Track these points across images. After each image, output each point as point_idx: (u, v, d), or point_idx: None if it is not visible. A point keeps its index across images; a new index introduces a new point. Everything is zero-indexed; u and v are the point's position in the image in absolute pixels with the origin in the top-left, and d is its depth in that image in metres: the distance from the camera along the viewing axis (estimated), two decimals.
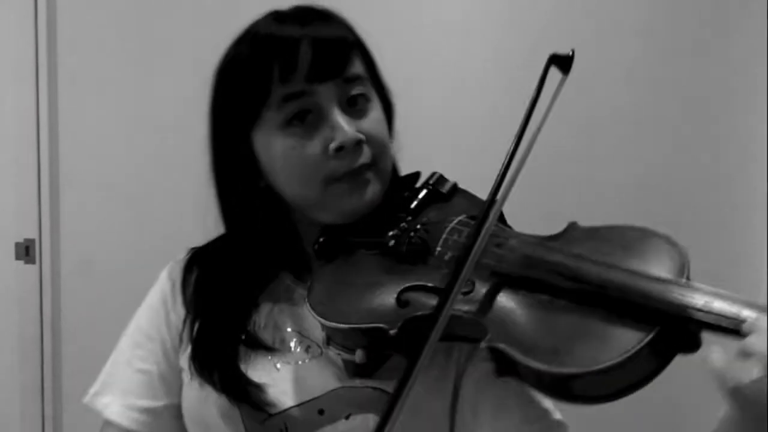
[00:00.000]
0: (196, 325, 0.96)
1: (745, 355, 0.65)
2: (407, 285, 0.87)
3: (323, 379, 0.92)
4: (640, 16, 1.88)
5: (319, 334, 0.92)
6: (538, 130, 0.86)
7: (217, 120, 0.97)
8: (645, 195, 1.88)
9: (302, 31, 0.91)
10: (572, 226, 0.91)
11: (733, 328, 0.69)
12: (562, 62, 0.88)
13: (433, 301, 0.82)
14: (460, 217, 0.93)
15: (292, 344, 0.95)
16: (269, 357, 0.94)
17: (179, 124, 1.63)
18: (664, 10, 1.88)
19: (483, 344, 0.78)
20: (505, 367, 0.79)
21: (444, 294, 0.76)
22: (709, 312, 0.71)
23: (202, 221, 1.00)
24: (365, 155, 0.92)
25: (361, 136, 0.91)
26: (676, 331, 0.74)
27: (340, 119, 0.90)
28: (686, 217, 1.86)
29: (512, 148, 0.84)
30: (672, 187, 1.89)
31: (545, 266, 0.82)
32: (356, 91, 0.93)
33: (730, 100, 1.90)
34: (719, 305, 0.70)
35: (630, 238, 0.86)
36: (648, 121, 1.89)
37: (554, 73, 0.88)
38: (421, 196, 0.98)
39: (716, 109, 1.91)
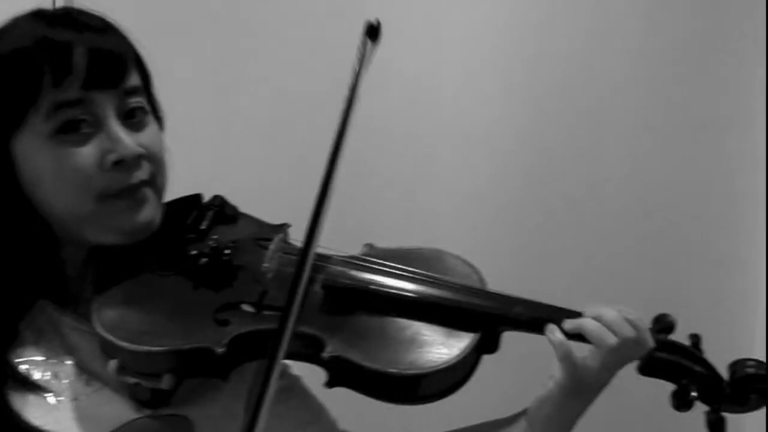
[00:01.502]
0: None
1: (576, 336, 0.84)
2: (223, 303, 0.87)
3: (115, 411, 0.87)
4: (639, 17, 1.90)
5: (98, 366, 0.87)
6: (351, 105, 0.90)
7: None
8: (644, 195, 1.91)
9: (78, 34, 0.85)
10: (371, 246, 0.97)
11: (538, 327, 0.87)
12: (372, 31, 0.91)
13: (251, 317, 0.85)
14: (279, 235, 0.94)
15: (70, 379, 0.88)
16: (44, 395, 0.86)
17: (192, 123, 1.67)
18: (663, 11, 1.90)
19: (325, 355, 0.83)
20: (341, 379, 0.84)
21: (285, 312, 0.78)
22: (522, 317, 0.88)
23: None
24: (144, 171, 0.88)
25: (142, 150, 0.87)
26: (493, 333, 0.89)
27: (120, 131, 0.86)
28: (686, 218, 1.90)
29: (336, 141, 0.87)
30: (671, 188, 1.91)
31: (377, 277, 0.90)
32: (135, 103, 0.89)
33: (730, 100, 1.92)
34: (530, 310, 0.87)
35: (429, 258, 0.95)
36: (648, 122, 1.91)
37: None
38: (209, 217, 0.96)
39: (715, 109, 1.92)
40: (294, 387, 1.02)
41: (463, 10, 1.86)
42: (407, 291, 0.89)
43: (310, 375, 0.93)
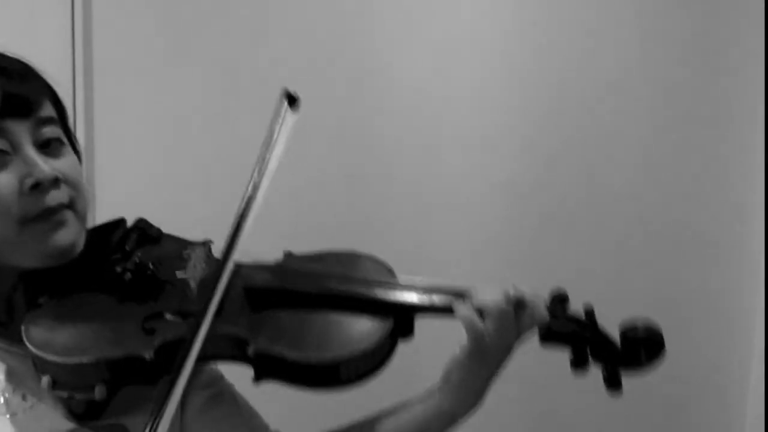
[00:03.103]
0: None
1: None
2: (150, 313, 0.91)
3: (53, 424, 0.90)
4: (639, 20, 1.90)
5: (31, 383, 0.90)
6: (267, 164, 0.92)
7: None
8: (644, 196, 1.91)
9: None
10: (290, 252, 1.02)
11: (448, 308, 0.93)
12: (291, 100, 0.97)
13: (177, 325, 0.89)
14: (200, 248, 0.99)
15: (6, 395, 0.91)
16: None
17: (209, 123, 1.68)
18: (662, 13, 1.90)
19: (250, 352, 0.88)
20: (267, 372, 0.90)
21: (200, 315, 0.82)
22: (430, 303, 0.94)
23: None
24: (63, 194, 0.91)
25: (58, 174, 0.90)
26: (406, 318, 0.95)
27: (35, 156, 0.89)
28: (685, 218, 1.90)
29: (250, 185, 0.90)
30: (669, 189, 1.91)
31: (294, 278, 0.96)
32: (50, 134, 0.93)
33: (729, 101, 1.92)
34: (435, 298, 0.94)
35: (342, 257, 1.02)
36: (649, 123, 1.91)
37: None
38: (133, 239, 1.00)
39: (715, 110, 1.92)
40: (225, 393, 1.06)
41: (471, 12, 1.86)
42: (321, 288, 0.96)
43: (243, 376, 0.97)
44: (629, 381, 1.88)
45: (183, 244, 1.02)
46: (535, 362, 2.00)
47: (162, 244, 1.02)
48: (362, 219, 1.80)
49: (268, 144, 0.93)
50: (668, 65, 1.90)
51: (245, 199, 0.90)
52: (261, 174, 0.91)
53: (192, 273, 0.95)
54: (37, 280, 0.93)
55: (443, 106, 1.86)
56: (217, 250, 0.98)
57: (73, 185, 0.93)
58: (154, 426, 0.75)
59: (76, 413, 0.91)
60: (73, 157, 0.97)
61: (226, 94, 1.78)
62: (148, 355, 0.86)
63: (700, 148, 1.92)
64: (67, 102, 1.93)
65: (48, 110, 0.94)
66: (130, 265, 0.95)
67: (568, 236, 1.89)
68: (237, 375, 1.01)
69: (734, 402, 1.97)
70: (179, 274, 0.96)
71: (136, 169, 1.98)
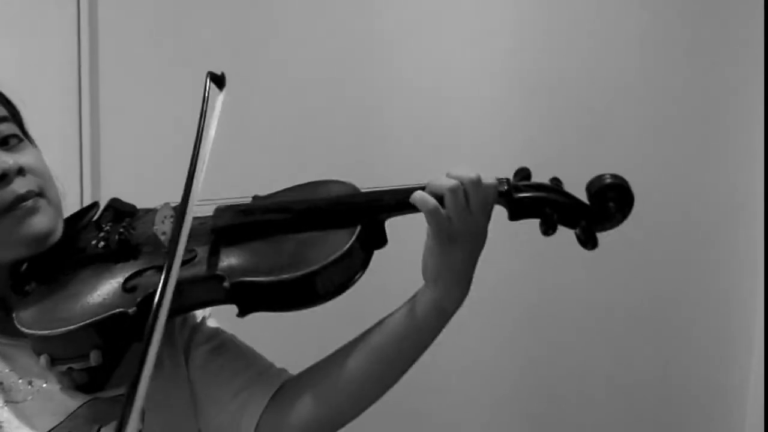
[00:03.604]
0: None
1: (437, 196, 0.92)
2: (129, 273, 0.94)
3: (63, 401, 0.93)
4: (639, 23, 1.91)
5: (36, 369, 0.94)
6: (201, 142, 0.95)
7: None
8: (644, 197, 1.88)
9: None
10: (257, 196, 1.03)
11: (406, 202, 0.93)
12: (218, 80, 1.01)
13: (156, 278, 0.90)
14: (163, 207, 1.00)
15: (14, 384, 0.94)
16: None
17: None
18: (663, 14, 1.91)
19: (226, 285, 0.90)
20: (249, 303, 0.91)
21: (167, 263, 0.83)
22: (388, 201, 0.95)
23: None
24: (30, 182, 0.95)
25: (18, 164, 0.94)
26: (372, 225, 0.96)
27: None
28: (685, 219, 1.91)
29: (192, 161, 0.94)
30: (669, 190, 1.91)
31: (257, 210, 0.98)
32: (6, 131, 0.96)
33: (729, 101, 1.92)
34: (392, 195, 0.95)
35: (306, 186, 1.03)
36: (650, 123, 1.92)
37: None
38: (107, 217, 1.04)
39: (715, 111, 1.93)
40: (226, 343, 1.08)
41: (476, 11, 1.87)
42: (283, 212, 0.97)
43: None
44: (629, 381, 1.91)
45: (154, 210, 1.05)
46: (536, 361, 2.03)
47: (136, 215, 1.05)
48: None
49: (200, 126, 0.96)
50: (669, 67, 1.91)
51: (191, 164, 0.94)
52: (196, 153, 0.95)
53: (160, 227, 0.97)
54: (21, 271, 0.96)
55: (447, 108, 1.87)
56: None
57: (40, 175, 0.96)
58: (136, 381, 0.76)
59: (81, 385, 0.93)
60: (36, 150, 1.00)
61: (230, 94, 1.79)
62: (131, 309, 0.89)
63: (700, 149, 1.93)
64: (72, 103, 1.99)
65: (0, 111, 0.96)
66: (102, 235, 0.99)
67: (568, 236, 1.89)
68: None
69: (734, 402, 1.98)
70: (149, 230, 0.98)
71: (141, 169, 1.99)
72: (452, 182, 0.92)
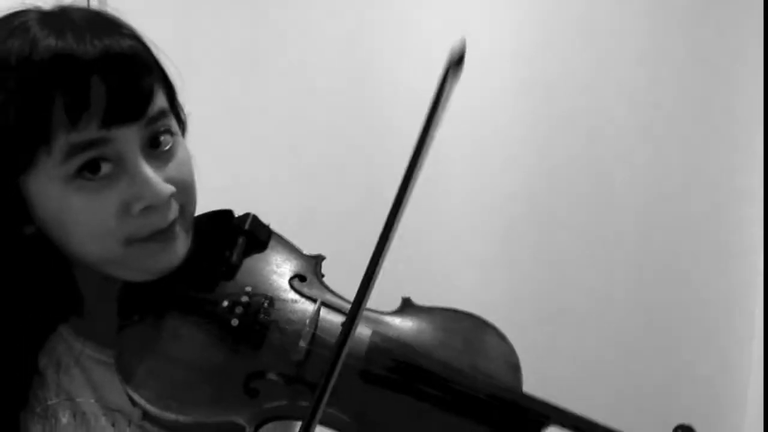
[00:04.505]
0: None
1: None
2: (252, 370, 0.79)
3: None
4: (642, 20, 1.91)
5: (121, 401, 0.79)
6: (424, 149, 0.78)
7: None
8: (645, 199, 1.92)
9: (93, 53, 0.70)
10: (407, 302, 0.89)
11: None
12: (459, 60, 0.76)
13: (282, 389, 0.78)
14: (318, 304, 0.84)
15: (95, 419, 0.82)
16: None
17: (219, 124, 1.69)
18: (663, 15, 1.91)
19: None
20: None
21: (318, 396, 0.70)
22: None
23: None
24: (174, 208, 0.77)
25: (172, 190, 0.75)
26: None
27: (147, 171, 0.73)
28: (685, 220, 1.91)
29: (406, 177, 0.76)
30: (670, 191, 1.92)
31: (417, 373, 0.81)
32: (161, 127, 0.76)
33: (729, 102, 1.93)
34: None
35: (467, 330, 0.89)
36: (651, 124, 1.92)
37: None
38: (239, 245, 0.85)
39: (714, 112, 1.94)
40: None
41: (480, 12, 1.87)
42: (447, 387, 0.83)
43: None
44: (629, 381, 1.92)
45: (292, 256, 0.89)
46: (536, 367, 2.03)
47: (269, 252, 0.88)
48: (372, 228, 1.81)
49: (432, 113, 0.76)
50: (669, 67, 1.91)
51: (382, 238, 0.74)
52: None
53: (305, 336, 0.80)
54: (132, 289, 0.81)
55: (455, 109, 1.87)
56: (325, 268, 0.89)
57: (186, 191, 0.79)
58: None
59: None
60: (184, 149, 0.80)
61: (235, 95, 1.79)
62: (249, 427, 0.76)
63: (700, 149, 1.94)
64: None
65: (160, 101, 0.76)
66: (238, 307, 0.80)
67: (568, 232, 1.89)
68: None
69: (734, 402, 1.98)
70: (292, 328, 0.81)
71: None
72: None
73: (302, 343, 0.79)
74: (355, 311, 0.71)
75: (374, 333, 0.83)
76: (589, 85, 1.90)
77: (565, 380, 1.94)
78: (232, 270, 0.84)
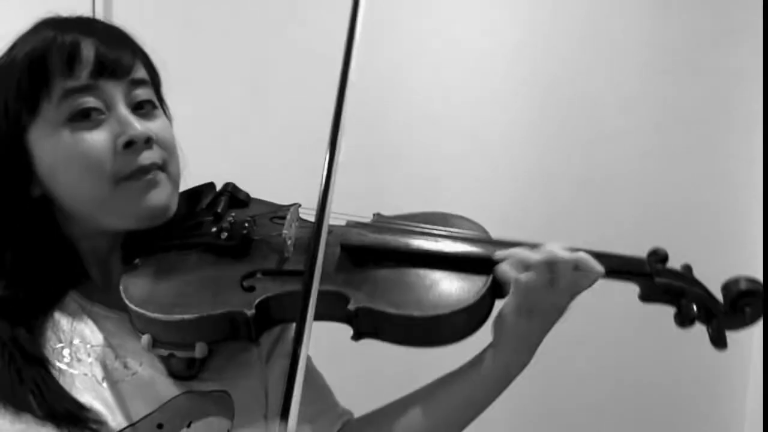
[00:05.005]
0: None
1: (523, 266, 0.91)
2: (246, 272, 0.91)
3: (153, 392, 0.89)
4: (643, 20, 1.93)
5: (132, 347, 0.89)
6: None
7: None
8: (646, 197, 1.94)
9: (86, 34, 0.90)
10: (379, 214, 1.01)
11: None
12: None
13: (275, 282, 0.89)
14: (294, 207, 0.98)
15: (110, 363, 0.89)
16: (88, 374, 0.88)
17: (222, 123, 1.69)
18: (664, 16, 1.93)
19: (351, 308, 0.87)
20: (367, 330, 0.89)
21: (308, 275, 0.78)
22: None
23: None
24: (155, 155, 0.91)
25: (151, 133, 0.90)
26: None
27: (129, 115, 0.90)
28: (685, 219, 1.93)
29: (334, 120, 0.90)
30: (670, 191, 1.94)
31: (392, 237, 0.95)
32: (143, 95, 0.93)
33: (729, 102, 1.95)
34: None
35: (435, 218, 1.00)
36: (648, 127, 1.94)
37: None
38: (223, 201, 1.00)
39: (715, 112, 1.95)
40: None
41: (481, 12, 1.88)
42: (421, 245, 0.94)
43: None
44: (629, 381, 1.92)
45: (271, 206, 1.02)
46: (541, 363, 2.03)
47: (251, 206, 1.02)
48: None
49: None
50: (669, 68, 1.93)
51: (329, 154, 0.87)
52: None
53: (288, 229, 0.94)
54: (132, 243, 0.93)
55: (448, 108, 1.87)
56: (305, 213, 0.99)
57: (166, 147, 0.93)
58: (288, 395, 0.75)
59: (175, 372, 0.90)
60: (166, 120, 0.96)
61: (237, 95, 1.79)
62: (249, 311, 0.86)
63: (700, 149, 1.95)
64: None
65: (141, 73, 0.93)
66: (225, 225, 0.95)
67: (568, 236, 1.90)
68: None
69: (734, 402, 1.99)
70: (275, 232, 0.95)
71: None
72: (565, 258, 0.92)
73: (287, 239, 0.92)
74: (324, 200, 0.81)
75: (348, 221, 0.98)
76: (590, 85, 1.90)
77: (564, 380, 1.94)
78: (218, 217, 0.98)
